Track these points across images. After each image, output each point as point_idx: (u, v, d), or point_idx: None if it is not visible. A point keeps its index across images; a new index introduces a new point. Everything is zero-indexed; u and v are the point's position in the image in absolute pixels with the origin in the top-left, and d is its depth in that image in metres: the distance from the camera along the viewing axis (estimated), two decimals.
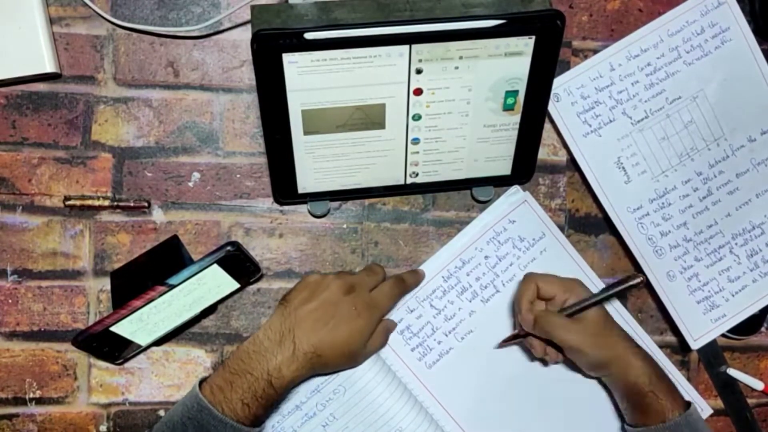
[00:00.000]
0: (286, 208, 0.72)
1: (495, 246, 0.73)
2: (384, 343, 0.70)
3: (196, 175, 0.71)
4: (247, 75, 0.70)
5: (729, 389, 0.77)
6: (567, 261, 0.73)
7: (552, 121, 0.72)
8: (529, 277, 0.68)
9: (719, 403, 0.77)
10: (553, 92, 0.69)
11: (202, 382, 0.62)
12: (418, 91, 0.64)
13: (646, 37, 0.70)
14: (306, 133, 0.65)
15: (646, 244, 0.72)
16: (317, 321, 0.63)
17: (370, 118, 0.65)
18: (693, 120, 0.71)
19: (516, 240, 0.73)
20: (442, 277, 0.73)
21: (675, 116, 0.71)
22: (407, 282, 0.70)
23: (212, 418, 0.59)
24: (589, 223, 0.75)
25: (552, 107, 0.69)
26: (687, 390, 0.74)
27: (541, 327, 0.65)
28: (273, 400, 0.62)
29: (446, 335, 0.72)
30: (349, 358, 0.66)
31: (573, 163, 0.73)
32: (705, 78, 0.71)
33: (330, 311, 0.63)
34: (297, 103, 0.63)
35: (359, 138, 0.66)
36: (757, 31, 0.72)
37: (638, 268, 0.73)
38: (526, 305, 0.67)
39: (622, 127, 0.71)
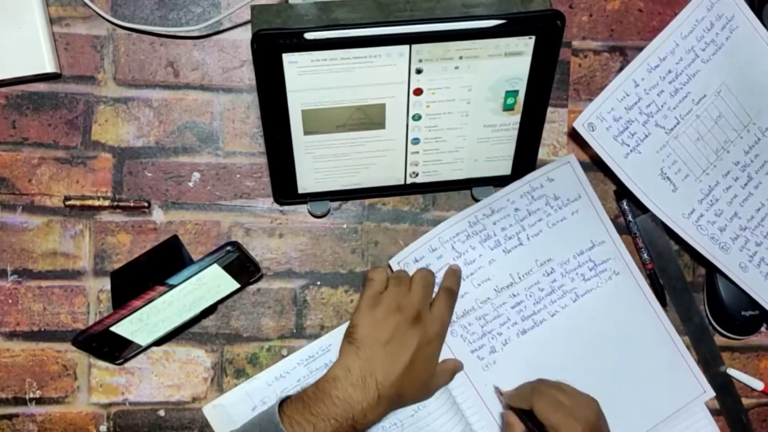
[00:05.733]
0: (286, 208, 0.72)
1: (528, 200, 0.73)
2: (449, 379, 0.70)
3: (196, 175, 0.71)
4: (247, 75, 0.70)
5: (725, 390, 0.77)
6: (597, 227, 0.73)
7: (590, 150, 0.71)
8: (536, 395, 0.63)
9: (715, 404, 0.77)
10: (587, 122, 0.69)
11: (280, 406, 0.61)
12: (418, 91, 0.64)
13: (662, 45, 0.70)
14: (306, 133, 0.65)
15: (711, 243, 0.73)
16: (394, 359, 0.63)
17: (370, 118, 0.65)
18: (721, 114, 0.72)
19: (550, 198, 0.73)
20: (468, 222, 0.72)
21: (704, 115, 0.71)
22: (454, 288, 0.70)
23: None
24: None
25: (589, 138, 0.69)
26: (695, 373, 0.74)
27: None
28: None
29: (463, 279, 0.72)
30: (425, 389, 0.68)
31: (620, 186, 0.72)
32: (724, 70, 0.72)
33: (405, 348, 0.64)
34: (297, 103, 0.63)
35: (359, 138, 0.66)
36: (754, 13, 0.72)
37: (713, 268, 0.74)
38: (513, 418, 0.65)
39: (659, 139, 0.71)
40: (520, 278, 0.73)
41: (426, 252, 0.72)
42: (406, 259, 0.71)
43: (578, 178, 0.73)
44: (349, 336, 0.65)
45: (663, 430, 0.73)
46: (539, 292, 0.73)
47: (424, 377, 0.66)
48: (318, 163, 0.68)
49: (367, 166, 0.69)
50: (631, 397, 0.73)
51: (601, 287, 0.73)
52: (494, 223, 0.72)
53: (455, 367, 0.71)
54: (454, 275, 0.71)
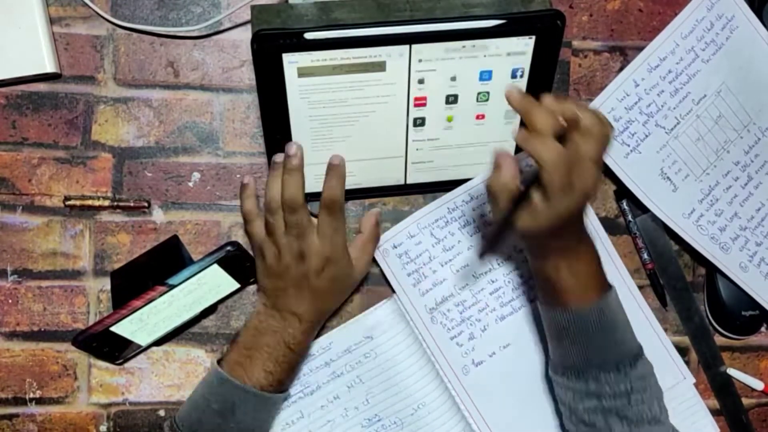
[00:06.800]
0: None
1: None
2: (370, 256, 0.69)
3: (196, 175, 0.71)
4: (247, 75, 0.70)
5: (726, 391, 0.77)
6: None
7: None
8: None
9: (716, 404, 0.77)
10: None
11: (219, 362, 0.63)
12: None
13: (662, 45, 0.70)
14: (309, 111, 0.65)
15: (711, 243, 0.73)
16: (299, 297, 0.64)
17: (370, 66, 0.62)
18: (721, 114, 0.72)
19: None
20: (448, 208, 0.72)
21: (704, 115, 0.72)
22: (336, 200, 0.63)
23: (235, 389, 0.60)
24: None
25: None
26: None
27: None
28: (294, 362, 0.64)
29: (442, 265, 0.72)
30: (347, 292, 0.69)
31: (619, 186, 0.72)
32: (724, 71, 0.72)
33: (303, 284, 0.64)
34: (297, 102, 0.63)
35: (360, 81, 0.62)
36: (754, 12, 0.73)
37: (713, 268, 0.74)
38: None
39: (659, 139, 0.71)
40: (498, 264, 0.73)
41: (404, 238, 0.72)
42: (384, 246, 0.71)
43: None
44: (258, 289, 0.68)
45: None
46: (518, 278, 0.73)
47: (339, 293, 0.67)
48: (318, 143, 0.68)
49: (367, 165, 0.69)
50: None
51: None
52: (473, 209, 0.72)
53: (363, 244, 0.68)
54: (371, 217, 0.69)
